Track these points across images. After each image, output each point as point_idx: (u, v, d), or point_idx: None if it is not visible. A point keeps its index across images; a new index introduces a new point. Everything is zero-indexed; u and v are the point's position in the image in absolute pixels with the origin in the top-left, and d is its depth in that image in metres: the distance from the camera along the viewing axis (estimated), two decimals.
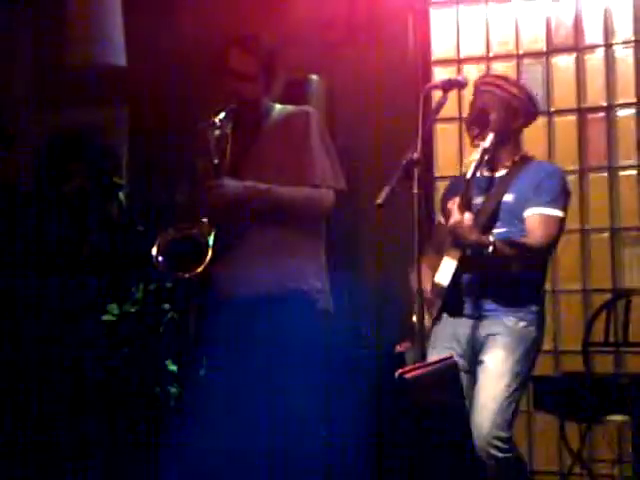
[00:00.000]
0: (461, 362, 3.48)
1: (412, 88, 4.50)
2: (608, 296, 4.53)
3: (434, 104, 3.59)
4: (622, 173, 4.66)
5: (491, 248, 3.39)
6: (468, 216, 3.39)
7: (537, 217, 3.52)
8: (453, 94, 3.71)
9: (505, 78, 3.78)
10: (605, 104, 4.69)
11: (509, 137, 3.64)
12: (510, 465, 3.44)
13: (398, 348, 3.32)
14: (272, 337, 3.35)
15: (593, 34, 4.72)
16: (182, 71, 4.57)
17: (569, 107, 4.73)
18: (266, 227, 3.42)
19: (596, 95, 4.71)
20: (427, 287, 3.49)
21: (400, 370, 2.59)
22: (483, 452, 3.39)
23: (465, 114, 4.66)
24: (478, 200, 3.58)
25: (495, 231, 3.51)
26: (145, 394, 4.23)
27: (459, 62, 4.90)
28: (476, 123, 3.64)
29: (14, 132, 4.26)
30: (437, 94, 3.64)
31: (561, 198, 3.57)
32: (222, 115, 3.37)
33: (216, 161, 3.34)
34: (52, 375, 4.16)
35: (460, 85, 3.63)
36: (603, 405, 4.01)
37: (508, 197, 3.55)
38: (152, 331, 4.27)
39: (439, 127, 4.79)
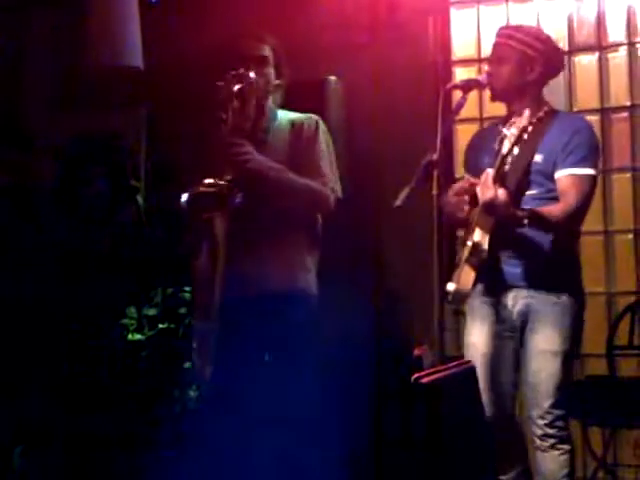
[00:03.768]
0: (501, 328, 3.49)
1: (432, 88, 4.47)
2: (632, 298, 4.47)
3: (454, 104, 3.55)
4: None
5: (526, 221, 3.33)
6: (502, 192, 3.29)
7: (569, 178, 3.42)
8: (473, 94, 3.69)
9: (518, 28, 3.67)
10: (629, 104, 4.63)
11: (525, 90, 3.53)
12: (564, 444, 3.43)
13: (416, 352, 3.28)
14: (284, 336, 3.34)
15: (616, 32, 4.67)
16: (200, 73, 4.57)
17: (592, 107, 4.67)
18: (279, 227, 3.42)
19: (619, 94, 4.65)
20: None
21: (416, 374, 2.55)
22: (540, 430, 3.40)
23: (486, 115, 4.71)
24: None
25: (527, 193, 3.44)
26: (164, 396, 4.22)
27: (480, 62, 4.84)
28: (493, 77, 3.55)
29: (31, 135, 4.28)
30: (457, 94, 3.60)
31: (591, 155, 3.48)
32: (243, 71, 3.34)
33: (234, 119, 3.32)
34: (69, 376, 4.17)
35: (480, 85, 3.60)
36: (627, 409, 3.97)
37: (537, 157, 3.44)
38: (171, 334, 4.27)
39: (459, 128, 4.73)
